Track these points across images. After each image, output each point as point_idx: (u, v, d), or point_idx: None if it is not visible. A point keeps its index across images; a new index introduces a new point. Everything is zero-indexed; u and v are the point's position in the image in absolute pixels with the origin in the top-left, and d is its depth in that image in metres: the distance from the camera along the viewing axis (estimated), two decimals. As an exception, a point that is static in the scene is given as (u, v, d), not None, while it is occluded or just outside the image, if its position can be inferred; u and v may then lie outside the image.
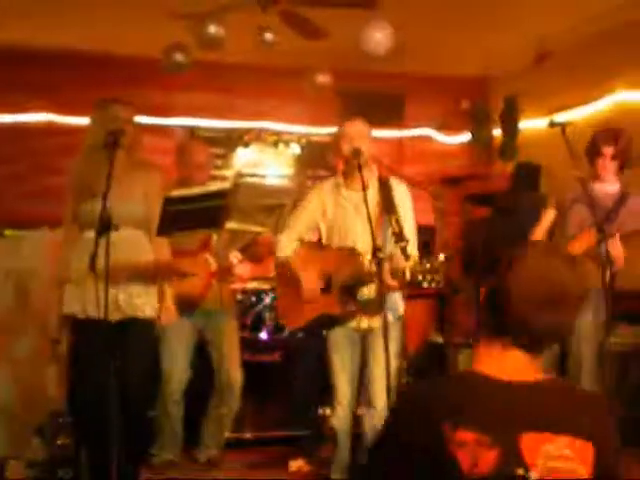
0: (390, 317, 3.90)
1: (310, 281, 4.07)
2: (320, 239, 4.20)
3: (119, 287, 3.83)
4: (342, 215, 4.10)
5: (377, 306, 3.76)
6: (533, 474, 1.68)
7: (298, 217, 4.23)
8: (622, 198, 4.68)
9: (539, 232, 4.96)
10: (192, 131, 7.34)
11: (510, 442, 1.69)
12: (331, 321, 4.07)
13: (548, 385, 1.83)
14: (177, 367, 4.67)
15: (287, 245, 4.18)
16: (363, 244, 3.93)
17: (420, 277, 3.60)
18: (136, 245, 3.91)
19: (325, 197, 4.15)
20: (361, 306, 3.99)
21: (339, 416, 4.15)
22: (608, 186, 4.65)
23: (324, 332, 4.19)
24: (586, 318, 4.66)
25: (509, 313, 1.81)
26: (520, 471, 1.68)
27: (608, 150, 4.65)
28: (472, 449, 1.68)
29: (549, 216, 4.94)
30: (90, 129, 4.02)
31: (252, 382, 5.28)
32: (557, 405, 1.78)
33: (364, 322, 4.03)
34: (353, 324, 4.05)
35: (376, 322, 3.96)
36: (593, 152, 4.68)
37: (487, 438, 1.69)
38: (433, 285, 3.60)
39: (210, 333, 4.75)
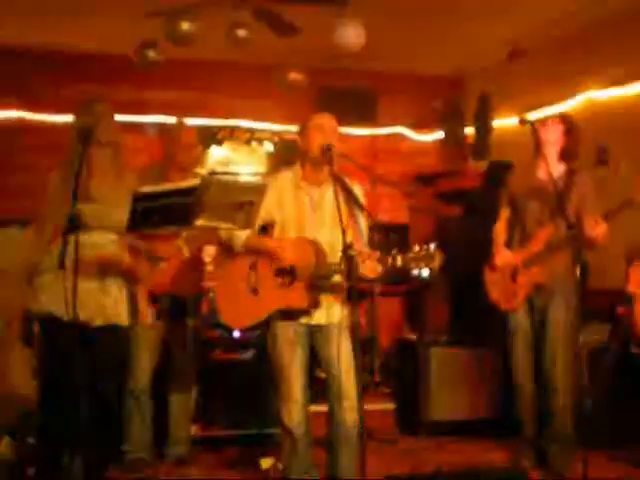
0: (336, 317, 3.95)
1: (282, 244, 3.92)
2: (265, 231, 4.07)
3: (106, 291, 3.82)
4: (299, 209, 3.99)
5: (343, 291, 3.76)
6: None
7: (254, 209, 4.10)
8: (568, 177, 4.73)
9: (499, 229, 4.99)
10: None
11: None
12: (286, 315, 3.94)
13: None
14: (142, 362, 4.67)
15: (242, 232, 3.92)
16: (321, 241, 3.90)
17: (413, 264, 3.56)
18: (113, 249, 3.88)
19: (282, 189, 4.02)
20: (330, 292, 3.93)
21: (296, 416, 3.96)
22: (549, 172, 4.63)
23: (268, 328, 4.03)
24: (560, 315, 4.69)
25: None
26: None
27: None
28: None
29: (504, 214, 4.99)
30: (70, 130, 3.96)
31: (225, 380, 5.28)
32: None
33: (317, 318, 3.96)
34: (304, 319, 3.96)
35: (329, 318, 3.96)
36: None
37: None
38: (425, 274, 3.54)
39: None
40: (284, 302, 3.92)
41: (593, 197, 4.72)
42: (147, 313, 4.10)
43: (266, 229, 4.08)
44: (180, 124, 5.18)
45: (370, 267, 3.69)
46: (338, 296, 3.97)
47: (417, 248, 3.57)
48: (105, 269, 3.83)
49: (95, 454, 3.84)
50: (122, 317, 3.92)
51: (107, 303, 3.85)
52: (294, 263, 3.90)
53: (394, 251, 3.64)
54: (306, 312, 3.94)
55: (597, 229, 4.42)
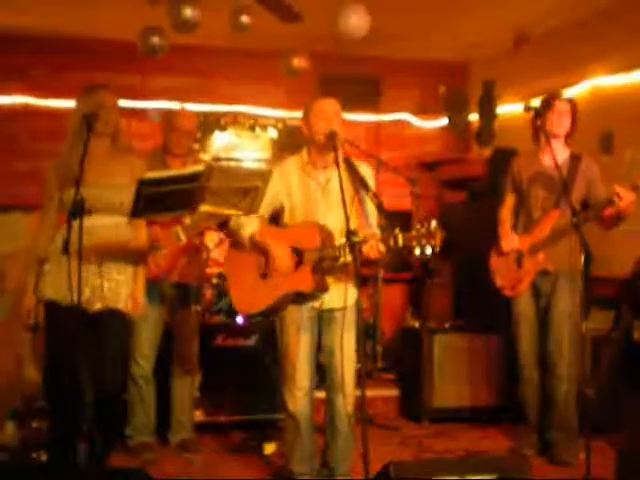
0: (350, 301, 3.91)
1: (283, 253, 3.90)
2: (275, 218, 4.08)
3: (104, 274, 3.82)
4: (307, 195, 3.99)
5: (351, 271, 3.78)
6: None
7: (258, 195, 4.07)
8: (573, 163, 4.72)
9: (505, 215, 4.98)
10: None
11: None
12: (296, 299, 3.94)
13: None
14: (144, 347, 4.68)
15: (250, 222, 3.95)
16: (330, 224, 3.89)
17: (414, 242, 3.55)
18: (117, 232, 3.88)
19: (290, 175, 4.02)
20: (337, 274, 3.91)
21: (300, 402, 3.97)
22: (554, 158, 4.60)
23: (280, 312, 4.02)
24: (565, 301, 4.69)
25: None
26: None
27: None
28: None
29: (509, 200, 4.98)
30: (72, 115, 3.95)
31: (228, 366, 5.29)
32: None
33: (327, 302, 3.95)
34: (315, 304, 3.96)
35: (337, 303, 3.92)
36: None
37: None
38: (428, 252, 3.53)
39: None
40: (291, 286, 3.92)
41: (601, 180, 4.71)
42: (142, 303, 4.06)
43: (276, 219, 4.09)
44: (179, 110, 5.17)
45: (373, 248, 3.69)
46: (347, 280, 3.94)
47: (418, 226, 3.57)
48: (105, 253, 3.82)
49: (99, 439, 3.86)
50: (122, 301, 3.91)
51: (105, 286, 3.84)
52: (298, 253, 3.89)
53: (396, 230, 3.64)
54: (314, 296, 3.94)
55: (625, 199, 4.37)
